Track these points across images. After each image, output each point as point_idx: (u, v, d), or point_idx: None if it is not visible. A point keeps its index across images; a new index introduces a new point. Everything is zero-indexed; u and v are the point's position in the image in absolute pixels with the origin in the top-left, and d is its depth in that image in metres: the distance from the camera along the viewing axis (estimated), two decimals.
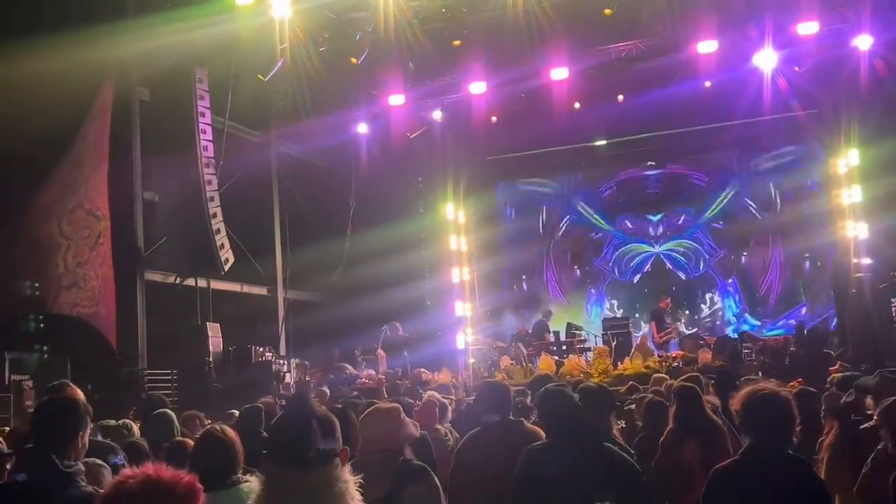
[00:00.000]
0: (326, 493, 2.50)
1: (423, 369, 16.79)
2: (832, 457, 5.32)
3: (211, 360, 17.02)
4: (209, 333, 17.31)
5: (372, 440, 4.42)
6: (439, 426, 7.19)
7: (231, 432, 4.33)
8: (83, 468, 3.55)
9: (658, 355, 16.27)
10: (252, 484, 2.69)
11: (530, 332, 19.71)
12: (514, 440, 5.22)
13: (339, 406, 6.44)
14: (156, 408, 7.06)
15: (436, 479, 4.46)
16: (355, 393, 12.66)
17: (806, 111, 19.46)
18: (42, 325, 16.06)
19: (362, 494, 4.08)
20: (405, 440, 4.54)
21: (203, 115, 17.88)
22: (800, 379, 8.60)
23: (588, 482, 4.46)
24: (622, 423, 6.34)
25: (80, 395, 5.04)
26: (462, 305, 20.61)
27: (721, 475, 4.07)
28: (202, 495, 2.66)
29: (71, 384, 5.19)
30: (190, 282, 18.75)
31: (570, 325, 19.31)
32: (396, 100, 19.21)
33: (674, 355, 15.88)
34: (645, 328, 19.75)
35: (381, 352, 17.74)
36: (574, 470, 4.51)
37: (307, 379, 16.29)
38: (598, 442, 4.77)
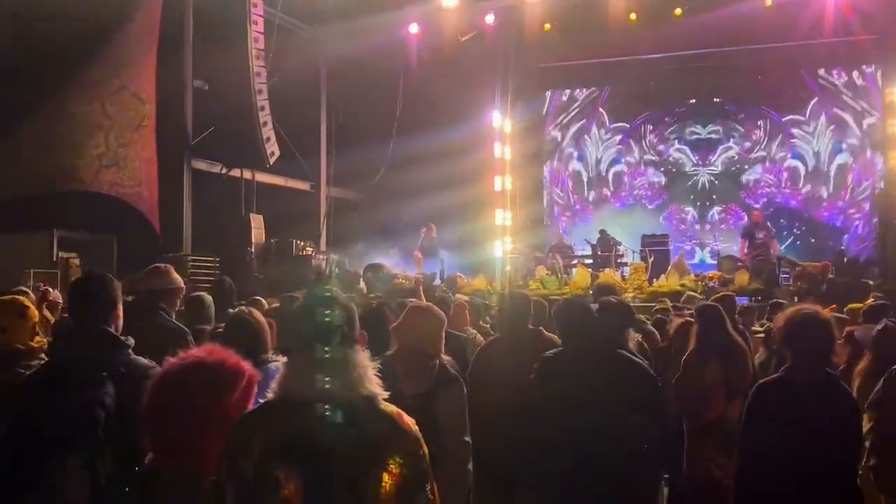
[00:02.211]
0: (344, 374, 2.60)
1: (459, 274, 16.97)
2: (863, 383, 5.39)
3: (253, 251, 17.34)
4: (252, 225, 17.59)
5: (413, 339, 4.60)
6: (469, 328, 7.34)
7: (259, 315, 4.51)
8: (132, 340, 3.60)
9: (695, 274, 16.27)
10: (280, 364, 2.83)
11: (568, 243, 19.70)
12: (529, 347, 5.41)
13: (374, 303, 6.60)
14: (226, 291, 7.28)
15: (464, 385, 4.66)
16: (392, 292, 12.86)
17: (867, 36, 18.91)
18: (89, 205, 16.35)
19: (396, 389, 4.29)
20: (443, 344, 4.71)
21: (255, 5, 17.80)
22: (834, 305, 8.59)
23: (601, 384, 4.63)
24: (639, 337, 6.45)
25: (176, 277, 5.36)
26: (502, 214, 20.64)
27: (765, 389, 4.22)
28: (249, 376, 2.83)
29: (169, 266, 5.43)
30: (235, 173, 18.96)
31: (603, 232, 19.15)
32: (449, 0, 18.95)
33: (710, 275, 15.87)
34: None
35: (418, 253, 17.91)
36: (587, 372, 4.68)
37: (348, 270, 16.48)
38: (612, 350, 4.93)
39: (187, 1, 17.58)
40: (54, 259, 16.35)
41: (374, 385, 2.65)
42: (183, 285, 5.40)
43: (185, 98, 17.72)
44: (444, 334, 4.68)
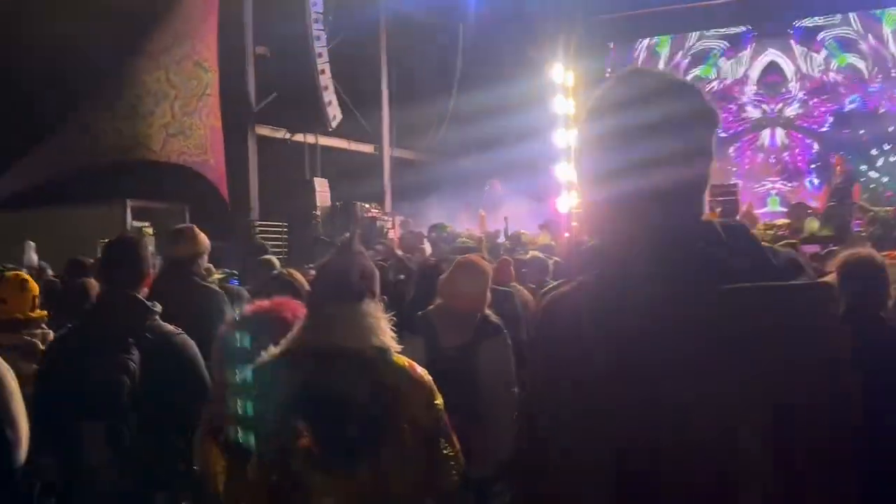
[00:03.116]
0: (355, 324, 2.69)
1: (523, 230, 16.93)
2: None
3: (318, 213, 17.53)
4: (317, 188, 17.77)
5: (454, 293, 4.60)
6: (514, 283, 7.30)
7: (298, 275, 4.65)
8: (160, 306, 3.64)
9: (763, 223, 15.96)
10: None
11: None
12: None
13: (433, 261, 6.63)
14: (259, 254, 7.33)
15: (507, 336, 4.62)
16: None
17: None
18: (160, 174, 16.65)
19: (434, 342, 4.30)
20: (487, 302, 4.69)
21: None
22: None
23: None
24: None
25: (203, 238, 5.33)
26: (566, 169, 20.46)
27: None
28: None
29: (195, 227, 5.35)
30: (298, 137, 19.13)
31: None
32: None
33: (779, 224, 15.56)
34: None
35: (482, 212, 17.90)
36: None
37: (412, 231, 16.56)
38: None
39: None
40: (128, 229, 16.72)
41: (387, 337, 2.73)
42: (208, 245, 5.37)
43: (247, 65, 17.88)
44: (487, 289, 4.64)
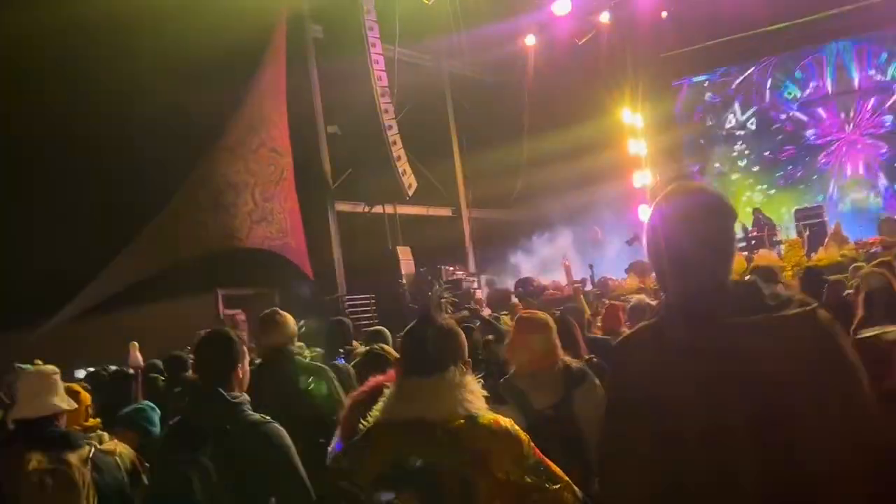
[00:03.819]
0: (440, 395, 2.70)
1: (609, 276, 16.79)
2: None
3: (405, 281, 17.68)
4: (400, 257, 17.95)
5: (526, 353, 4.46)
6: (624, 329, 7.27)
7: (389, 349, 4.73)
8: (248, 398, 3.68)
9: (854, 242, 15.55)
10: None
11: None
12: None
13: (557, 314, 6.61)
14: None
15: (594, 377, 4.52)
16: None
17: None
18: (247, 261, 17.03)
19: (527, 405, 4.22)
20: (558, 352, 4.57)
21: (374, 45, 18.27)
22: None
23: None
24: None
25: (290, 320, 5.39)
26: (646, 209, 20.32)
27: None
28: None
29: (280, 310, 5.40)
30: (378, 209, 19.42)
31: (756, 211, 18.60)
32: (562, 7, 18.92)
33: (871, 241, 15.12)
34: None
35: (566, 261, 17.80)
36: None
37: (498, 289, 16.57)
38: None
39: (309, 52, 18.20)
40: (220, 317, 17.09)
41: (475, 404, 2.72)
42: (295, 325, 5.43)
43: (321, 145, 18.32)
44: (553, 339, 4.47)
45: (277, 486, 3.57)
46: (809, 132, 21.90)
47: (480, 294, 17.75)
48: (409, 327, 2.96)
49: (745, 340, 2.05)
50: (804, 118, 21.92)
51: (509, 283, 17.52)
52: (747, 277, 2.56)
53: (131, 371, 6.96)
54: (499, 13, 19.25)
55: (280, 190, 17.46)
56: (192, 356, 8.12)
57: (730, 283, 2.23)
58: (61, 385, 4.17)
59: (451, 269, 18.67)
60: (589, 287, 16.34)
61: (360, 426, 2.82)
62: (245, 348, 3.81)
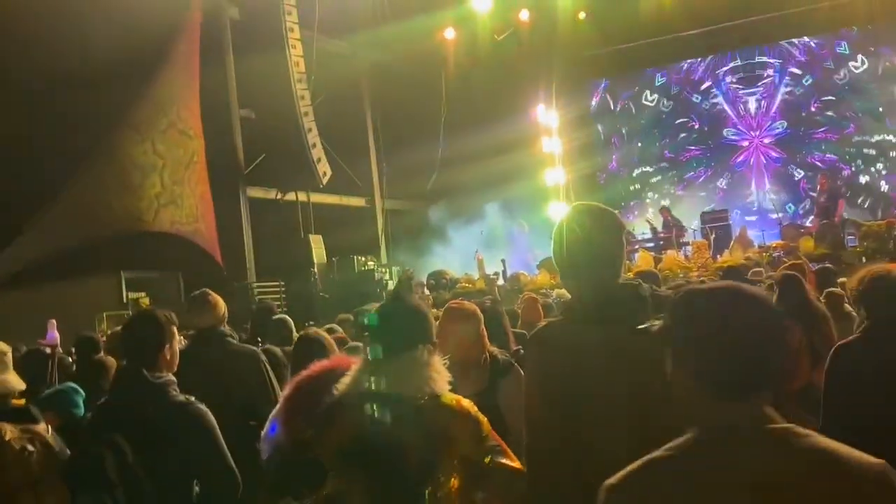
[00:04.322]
0: (408, 372, 2.77)
1: (522, 272, 16.98)
2: None
3: (316, 270, 17.54)
4: (312, 245, 17.80)
5: (455, 346, 4.50)
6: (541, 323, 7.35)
7: (323, 332, 4.68)
8: (173, 378, 3.66)
9: (758, 246, 16.08)
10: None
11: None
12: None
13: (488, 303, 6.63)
14: (268, 314, 7.35)
15: (520, 369, 4.56)
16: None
17: None
18: (152, 244, 16.67)
19: (455, 392, 4.29)
20: (486, 343, 4.61)
21: (292, 30, 18.05)
22: None
23: None
24: None
25: (221, 302, 5.31)
26: (558, 207, 20.59)
27: (846, 349, 4.17)
28: None
29: (210, 292, 5.30)
30: (290, 196, 19.22)
31: (665, 211, 19.01)
32: (482, 1, 19.02)
33: (774, 245, 15.67)
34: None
35: (479, 255, 17.94)
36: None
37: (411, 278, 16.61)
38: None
39: (225, 33, 17.89)
40: (124, 300, 16.71)
41: (439, 383, 2.80)
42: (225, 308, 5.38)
43: (234, 129, 18.01)
44: (480, 329, 4.51)
45: (200, 467, 3.55)
46: (719, 136, 22.52)
47: (391, 286, 17.72)
48: (379, 305, 3.04)
49: (626, 340, 2.48)
50: (715, 121, 22.52)
51: (422, 276, 17.57)
52: (632, 279, 3.18)
53: (47, 350, 6.74)
54: (420, 5, 19.21)
55: (191, 174, 17.10)
56: (103, 338, 7.95)
57: (616, 285, 2.80)
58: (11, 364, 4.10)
59: (364, 259, 18.58)
60: (501, 282, 16.49)
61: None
62: (174, 329, 3.75)
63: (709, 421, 1.80)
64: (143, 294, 17.02)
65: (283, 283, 17.54)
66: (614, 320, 2.58)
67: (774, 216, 19.28)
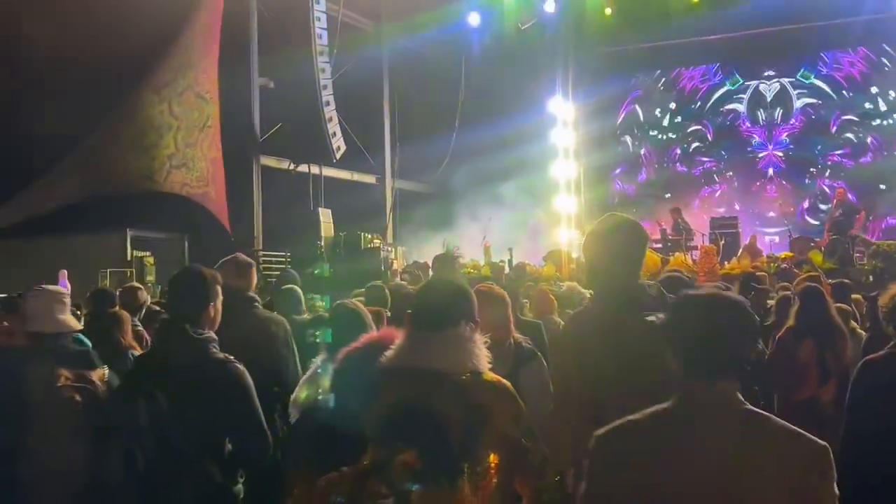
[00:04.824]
0: (451, 348, 2.83)
1: (527, 262, 16.97)
2: None
3: (323, 244, 17.53)
4: (321, 219, 17.79)
5: (484, 327, 4.57)
6: (555, 316, 7.38)
7: (360, 305, 4.67)
8: (215, 336, 3.70)
9: (767, 256, 16.08)
10: None
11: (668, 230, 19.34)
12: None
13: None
14: (288, 283, 7.35)
15: (544, 360, 4.64)
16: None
17: None
18: (161, 205, 16.70)
19: None
20: (512, 328, 4.69)
21: (318, 2, 18.00)
22: None
23: None
24: None
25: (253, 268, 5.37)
26: (567, 200, 20.58)
27: (874, 364, 4.21)
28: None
29: (243, 255, 5.39)
30: (303, 168, 19.21)
31: (675, 213, 19.01)
32: None
33: (782, 256, 15.66)
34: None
35: (487, 242, 17.93)
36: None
37: (417, 262, 16.60)
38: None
39: (251, 1, 17.83)
40: (129, 258, 16.74)
41: (481, 360, 2.86)
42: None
43: (252, 96, 18.03)
44: (509, 314, 4.62)
45: (235, 425, 3.60)
46: (735, 145, 22.53)
47: (397, 265, 17.73)
48: (424, 284, 3.08)
49: (636, 329, 3.00)
50: (734, 128, 22.52)
51: (428, 258, 17.55)
52: (648, 282, 3.63)
53: None
54: None
55: (204, 137, 17.13)
56: (119, 292, 7.96)
57: (634, 284, 3.35)
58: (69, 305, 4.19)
59: (370, 236, 18.57)
60: (507, 271, 16.49)
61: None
62: (219, 288, 3.79)
63: (684, 394, 2.30)
64: (147, 254, 17.07)
65: (288, 253, 17.55)
66: (630, 310, 3.15)
67: (786, 227, 19.29)
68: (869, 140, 21.21)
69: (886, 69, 21.04)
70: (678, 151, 23.13)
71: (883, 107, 21.16)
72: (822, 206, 20.87)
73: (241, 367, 3.62)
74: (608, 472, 2.34)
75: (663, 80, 23.28)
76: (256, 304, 5.10)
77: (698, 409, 2.25)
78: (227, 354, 3.65)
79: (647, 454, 2.27)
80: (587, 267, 3.55)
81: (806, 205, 21.71)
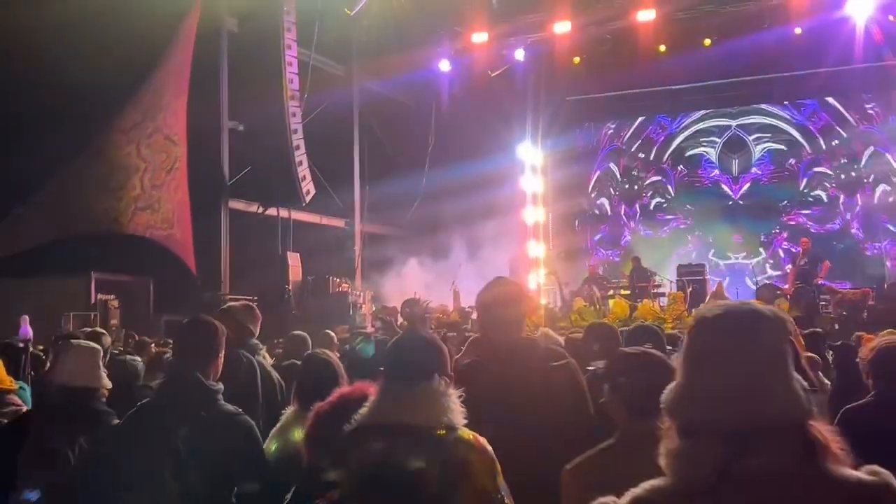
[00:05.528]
0: (426, 402, 2.79)
1: None
2: None
3: (291, 288, 17.44)
4: (290, 262, 17.72)
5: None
6: None
7: (332, 355, 4.69)
8: (222, 387, 3.70)
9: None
10: None
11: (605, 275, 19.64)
12: None
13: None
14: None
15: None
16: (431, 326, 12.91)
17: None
18: (126, 247, 16.55)
19: None
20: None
21: (290, 47, 18.10)
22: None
23: None
24: None
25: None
26: (535, 246, 20.70)
27: (853, 413, 4.24)
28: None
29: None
30: (272, 211, 19.15)
31: (636, 261, 19.12)
32: (479, 37, 19.17)
33: None
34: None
35: (455, 287, 17.94)
36: None
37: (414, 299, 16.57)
38: None
39: (221, 45, 17.91)
40: (93, 301, 16.54)
41: (455, 414, 2.81)
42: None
43: (222, 139, 17.98)
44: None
45: (241, 476, 3.58)
46: (700, 191, 22.78)
47: (366, 309, 17.68)
48: (397, 338, 3.12)
49: (528, 379, 3.53)
50: (700, 176, 22.78)
51: (396, 302, 17.50)
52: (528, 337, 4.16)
53: (21, 345, 6.69)
54: (419, 34, 19.36)
55: (171, 179, 17.04)
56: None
57: (521, 339, 3.83)
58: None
59: (339, 280, 18.52)
60: (475, 315, 16.45)
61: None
62: (224, 340, 3.80)
63: (630, 429, 2.79)
64: (112, 297, 16.86)
65: (255, 298, 17.39)
66: (523, 361, 3.63)
67: (750, 276, 19.49)
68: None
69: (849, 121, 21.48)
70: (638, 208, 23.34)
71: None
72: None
73: (250, 420, 3.66)
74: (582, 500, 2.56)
75: (631, 128, 23.53)
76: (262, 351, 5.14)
77: (644, 440, 2.45)
78: (235, 407, 3.67)
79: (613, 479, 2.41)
80: (480, 326, 4.07)
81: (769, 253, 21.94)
